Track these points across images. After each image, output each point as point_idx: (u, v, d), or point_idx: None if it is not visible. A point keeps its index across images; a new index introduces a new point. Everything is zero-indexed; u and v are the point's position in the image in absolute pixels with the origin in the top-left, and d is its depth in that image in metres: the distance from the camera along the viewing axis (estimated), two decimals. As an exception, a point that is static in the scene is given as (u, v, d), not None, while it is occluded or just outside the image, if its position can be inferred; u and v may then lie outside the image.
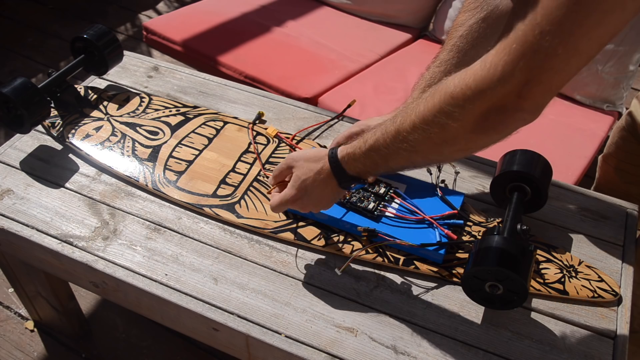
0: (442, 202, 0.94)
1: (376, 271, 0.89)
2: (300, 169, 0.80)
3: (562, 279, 0.86)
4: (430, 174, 1.02)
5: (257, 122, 1.14)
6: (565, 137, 1.43)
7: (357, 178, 0.77)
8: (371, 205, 0.93)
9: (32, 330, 1.37)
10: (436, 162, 0.79)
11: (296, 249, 0.92)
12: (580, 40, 0.53)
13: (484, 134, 0.63)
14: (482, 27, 0.83)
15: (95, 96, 1.18)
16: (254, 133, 1.10)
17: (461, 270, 0.87)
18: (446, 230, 0.90)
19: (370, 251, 0.89)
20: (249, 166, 1.04)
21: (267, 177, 1.01)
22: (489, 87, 0.59)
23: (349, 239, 0.91)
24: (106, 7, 2.68)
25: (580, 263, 0.89)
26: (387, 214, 0.93)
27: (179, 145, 1.07)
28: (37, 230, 0.93)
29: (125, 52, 1.27)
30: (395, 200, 0.95)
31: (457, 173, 1.03)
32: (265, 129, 1.12)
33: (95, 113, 1.14)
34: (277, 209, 0.83)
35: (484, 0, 0.83)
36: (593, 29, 0.52)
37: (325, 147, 1.08)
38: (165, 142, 1.08)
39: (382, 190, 0.95)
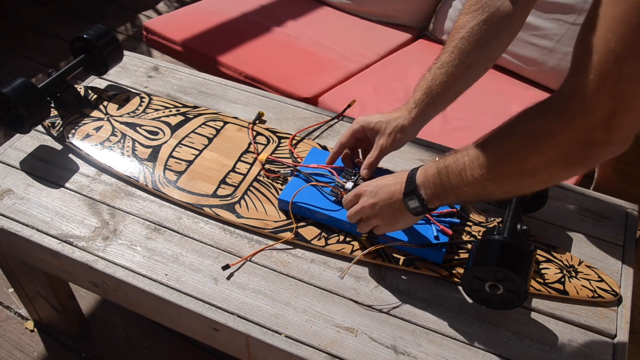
0: None
1: (376, 271, 0.89)
2: (386, 176, 0.83)
3: (562, 279, 0.86)
4: None
5: (257, 122, 1.14)
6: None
7: (421, 198, 0.75)
8: None
9: (32, 330, 1.37)
10: (513, 194, 0.79)
11: (296, 249, 0.92)
12: None
13: (567, 167, 0.61)
14: (483, 29, 0.83)
15: (95, 96, 1.18)
16: (254, 133, 1.10)
17: (461, 270, 0.87)
18: (442, 226, 0.90)
19: (371, 251, 0.89)
20: (249, 166, 1.04)
21: (268, 177, 1.01)
22: (572, 122, 0.56)
23: (349, 239, 0.91)
24: (106, 7, 2.68)
25: (580, 263, 0.89)
26: None
27: (179, 145, 1.07)
28: (37, 230, 0.93)
29: (125, 52, 1.27)
30: None
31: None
32: (267, 128, 1.12)
33: (95, 113, 1.14)
34: (353, 218, 0.85)
35: (486, 2, 0.83)
36: None
37: (325, 147, 1.08)
38: (165, 142, 1.08)
39: None
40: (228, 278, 0.87)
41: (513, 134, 0.64)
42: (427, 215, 0.90)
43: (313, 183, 0.97)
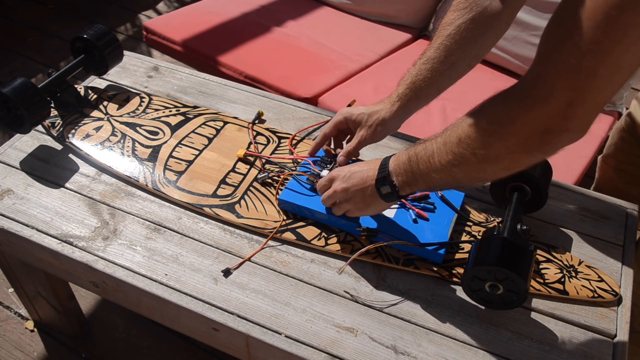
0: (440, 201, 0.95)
1: (376, 271, 0.89)
2: (360, 163, 0.86)
3: (562, 279, 0.86)
4: None
5: (256, 121, 1.14)
6: (565, 137, 1.42)
7: (393, 185, 0.78)
8: None
9: (32, 330, 1.37)
10: (479, 181, 0.82)
11: (296, 249, 0.92)
12: (621, 56, 0.53)
13: (528, 154, 0.63)
14: (470, 28, 0.84)
15: (95, 96, 1.18)
16: (254, 133, 1.10)
17: (461, 270, 0.87)
18: (417, 210, 0.92)
19: (370, 251, 0.89)
20: (249, 166, 1.04)
21: (269, 176, 1.01)
22: (531, 109, 0.59)
23: (349, 239, 0.91)
24: (106, 7, 2.68)
25: (580, 263, 0.89)
26: None
27: (179, 145, 1.07)
28: (37, 230, 0.93)
29: (125, 52, 1.27)
30: None
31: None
32: (267, 128, 1.12)
33: (95, 113, 1.14)
34: (326, 202, 0.88)
35: (474, 1, 0.83)
36: (633, 44, 0.52)
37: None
38: (165, 142, 1.08)
39: None
40: (225, 275, 0.87)
41: (478, 119, 0.65)
42: (402, 200, 0.93)
43: (287, 173, 0.99)
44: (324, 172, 0.97)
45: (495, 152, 0.65)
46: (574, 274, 0.87)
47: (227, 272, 0.88)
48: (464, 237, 0.92)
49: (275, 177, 1.00)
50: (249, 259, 0.90)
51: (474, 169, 0.68)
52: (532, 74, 0.59)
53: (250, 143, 1.08)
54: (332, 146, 1.02)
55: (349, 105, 1.21)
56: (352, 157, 0.95)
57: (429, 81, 0.87)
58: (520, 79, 0.61)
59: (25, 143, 1.09)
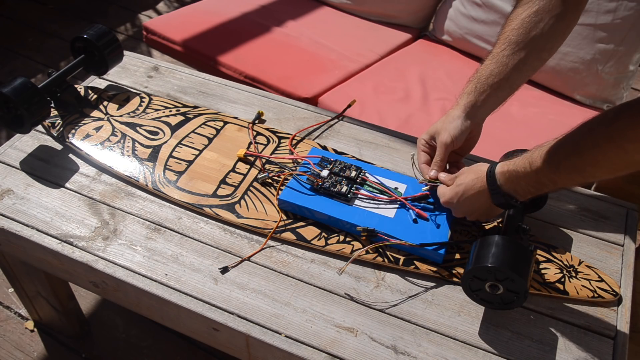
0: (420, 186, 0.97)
1: (376, 271, 0.89)
2: (462, 176, 0.86)
3: (562, 279, 0.86)
4: None
5: (256, 121, 1.14)
6: (566, 137, 1.42)
7: (511, 196, 0.79)
8: (344, 189, 0.95)
9: (32, 330, 1.37)
10: (609, 178, 0.82)
11: (296, 249, 0.92)
12: None
13: None
14: (534, 20, 0.83)
15: (95, 96, 1.18)
16: (254, 133, 1.10)
17: (461, 270, 0.87)
18: (417, 210, 0.92)
19: (370, 251, 0.89)
20: (249, 166, 1.04)
21: (269, 176, 1.01)
22: None
23: (349, 239, 0.91)
24: (106, 7, 2.68)
25: (580, 263, 0.89)
26: (359, 196, 0.95)
27: (179, 145, 1.07)
28: (37, 230, 0.93)
29: (125, 52, 1.27)
30: (367, 182, 0.97)
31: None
32: (267, 128, 1.12)
33: (95, 113, 1.14)
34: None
35: None
36: None
37: (325, 147, 1.08)
38: (165, 142, 1.08)
39: (353, 173, 0.98)
40: (223, 272, 0.87)
41: (612, 141, 0.64)
42: (401, 199, 0.94)
43: (287, 173, 0.99)
44: (324, 172, 0.97)
45: (636, 161, 0.64)
46: (574, 274, 0.87)
47: (224, 270, 0.88)
48: (464, 237, 0.92)
49: (276, 177, 1.01)
50: (248, 259, 0.90)
51: (610, 174, 0.69)
52: None
53: (250, 143, 1.08)
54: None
55: (349, 106, 1.21)
56: (443, 166, 0.93)
57: (496, 76, 0.87)
58: None
59: (25, 143, 1.09)
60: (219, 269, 0.88)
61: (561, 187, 0.77)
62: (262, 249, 0.91)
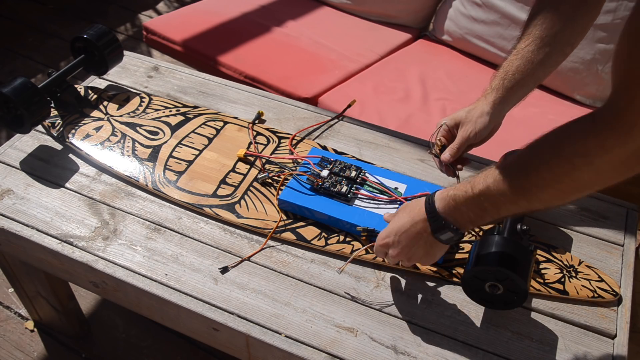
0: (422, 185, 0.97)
1: (376, 271, 0.89)
2: (399, 213, 0.79)
3: (562, 279, 0.86)
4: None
5: (256, 121, 1.14)
6: (566, 137, 1.42)
7: (453, 228, 0.73)
8: (344, 189, 0.95)
9: (32, 330, 1.37)
10: (555, 207, 0.77)
11: (296, 249, 0.92)
12: None
13: (621, 176, 0.60)
14: (557, 15, 0.83)
15: (95, 96, 1.18)
16: (254, 133, 1.10)
17: (461, 270, 0.87)
18: None
19: (370, 251, 0.89)
20: (249, 166, 1.04)
21: (269, 176, 1.01)
22: (630, 134, 0.56)
23: (349, 239, 0.91)
24: (106, 7, 2.68)
25: (580, 263, 0.89)
26: (359, 196, 0.95)
27: (179, 145, 1.07)
28: (37, 230, 0.93)
29: (125, 52, 1.27)
30: (367, 182, 0.97)
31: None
32: (267, 128, 1.12)
33: (95, 113, 1.14)
34: (377, 253, 0.83)
35: None
36: None
37: (325, 147, 1.08)
38: (165, 142, 1.08)
39: (353, 173, 0.98)
40: (223, 272, 0.87)
41: (561, 156, 0.62)
42: (401, 199, 0.93)
43: (287, 173, 0.99)
44: (324, 172, 0.97)
45: (585, 183, 0.62)
46: (574, 274, 0.87)
47: (224, 270, 0.88)
48: (464, 237, 0.92)
49: (276, 177, 1.01)
50: (248, 259, 0.90)
51: (557, 199, 0.65)
52: (622, 98, 0.56)
53: (250, 143, 1.08)
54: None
55: (349, 106, 1.21)
56: (457, 155, 0.91)
57: (522, 72, 0.86)
58: (605, 106, 0.58)
59: (25, 143, 1.09)
60: (219, 269, 0.88)
61: (503, 216, 0.70)
62: (262, 249, 0.91)
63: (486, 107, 0.89)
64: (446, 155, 0.91)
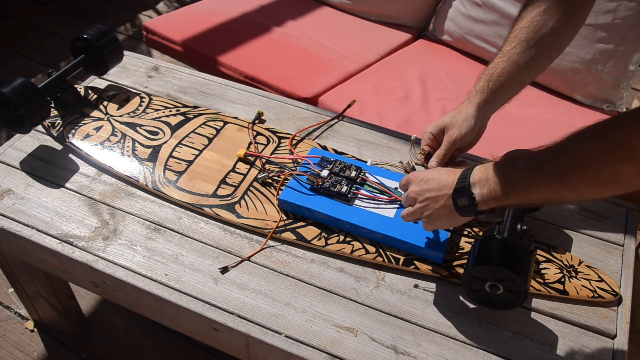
0: None
1: (376, 271, 0.89)
2: (428, 173, 0.79)
3: (562, 279, 0.86)
4: None
5: (256, 121, 1.14)
6: (566, 137, 1.42)
7: (472, 197, 0.71)
8: (344, 189, 0.95)
9: (32, 330, 1.37)
10: (588, 201, 0.75)
11: (296, 248, 0.92)
12: None
13: None
14: (543, 19, 0.83)
15: (95, 96, 1.18)
16: (254, 133, 1.10)
17: (461, 270, 0.87)
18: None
19: (370, 251, 0.89)
20: (249, 166, 1.04)
21: (269, 176, 1.01)
22: None
23: (349, 239, 0.91)
24: (106, 7, 2.68)
25: (580, 263, 0.89)
26: (359, 196, 0.95)
27: (179, 145, 1.07)
28: (37, 230, 0.93)
29: (125, 52, 1.27)
30: (367, 182, 0.97)
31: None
32: (267, 128, 1.12)
33: (95, 113, 1.14)
34: (405, 203, 0.83)
35: None
36: None
37: (325, 147, 1.08)
38: (165, 142, 1.08)
39: (353, 173, 0.98)
40: (223, 272, 0.87)
41: (603, 146, 0.61)
42: (401, 199, 0.89)
43: (287, 173, 1.00)
44: (324, 172, 0.97)
45: (624, 176, 0.60)
46: (574, 274, 0.87)
47: (224, 270, 0.88)
48: (464, 237, 0.92)
49: (276, 177, 1.01)
50: (248, 259, 0.90)
51: (592, 191, 0.63)
52: None
53: (250, 143, 1.08)
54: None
55: (349, 106, 1.21)
56: (445, 160, 0.90)
57: (507, 74, 0.86)
58: None
59: (25, 143, 1.09)
60: (219, 269, 0.88)
61: (532, 199, 0.68)
62: (262, 249, 0.91)
63: (471, 110, 0.89)
64: (432, 162, 0.91)
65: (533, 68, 0.86)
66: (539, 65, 0.86)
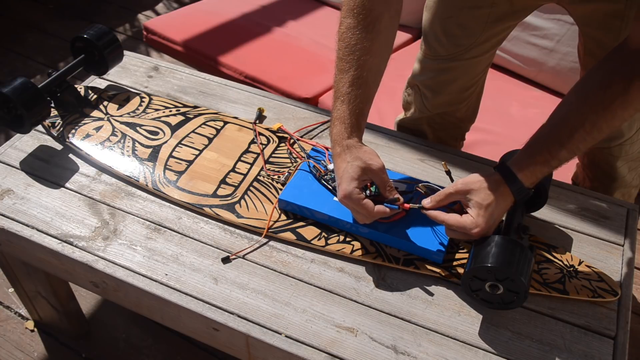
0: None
1: (376, 271, 0.89)
2: (475, 195, 0.80)
3: (562, 279, 0.86)
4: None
5: (257, 120, 1.14)
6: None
7: (525, 186, 0.79)
8: None
9: (32, 330, 1.37)
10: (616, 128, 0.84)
11: (296, 248, 0.92)
12: None
13: None
14: (349, 35, 0.83)
15: (95, 96, 1.18)
16: (258, 132, 1.10)
17: (461, 270, 0.87)
18: (407, 205, 0.87)
19: (370, 251, 0.89)
20: (249, 166, 1.04)
21: (269, 176, 1.01)
22: None
23: (349, 239, 0.91)
24: (106, 7, 2.68)
25: (580, 263, 0.89)
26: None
27: (179, 145, 1.07)
28: (37, 230, 0.93)
29: (125, 52, 1.27)
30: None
31: (448, 172, 0.98)
32: (267, 128, 1.12)
33: (96, 113, 1.14)
34: (455, 234, 0.82)
35: (357, 7, 0.82)
36: None
37: (325, 147, 1.08)
38: (166, 142, 1.08)
39: None
40: (224, 262, 0.87)
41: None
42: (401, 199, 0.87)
43: (287, 173, 1.00)
44: (330, 166, 0.97)
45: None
46: (574, 274, 0.87)
47: (226, 259, 0.88)
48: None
49: (276, 177, 1.01)
50: (243, 257, 0.90)
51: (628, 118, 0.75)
52: None
53: (251, 142, 1.08)
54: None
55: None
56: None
57: (359, 95, 0.84)
58: None
59: (25, 143, 1.09)
60: (221, 258, 0.88)
61: (565, 157, 0.77)
62: (260, 247, 0.91)
63: (355, 142, 0.84)
64: (427, 202, 0.86)
65: (372, 81, 0.85)
66: (373, 79, 0.86)
